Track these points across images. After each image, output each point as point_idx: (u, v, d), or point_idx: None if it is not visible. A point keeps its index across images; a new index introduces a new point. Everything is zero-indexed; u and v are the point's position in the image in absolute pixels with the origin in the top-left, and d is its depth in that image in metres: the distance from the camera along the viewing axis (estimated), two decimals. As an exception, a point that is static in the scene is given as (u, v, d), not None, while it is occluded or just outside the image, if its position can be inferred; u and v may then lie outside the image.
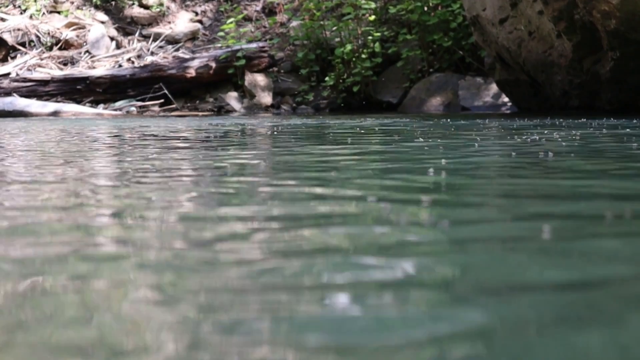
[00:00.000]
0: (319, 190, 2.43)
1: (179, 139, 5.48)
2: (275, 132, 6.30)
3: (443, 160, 3.26)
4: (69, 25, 16.12)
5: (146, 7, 16.81)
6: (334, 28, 13.95)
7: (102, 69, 14.66)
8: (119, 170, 3.21)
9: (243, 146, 4.88)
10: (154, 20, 16.67)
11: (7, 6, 16.60)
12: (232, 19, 15.42)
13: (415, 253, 1.45)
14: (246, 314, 1.07)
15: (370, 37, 13.62)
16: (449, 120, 8.06)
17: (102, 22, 16.40)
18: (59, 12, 16.58)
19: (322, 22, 14.23)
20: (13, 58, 15.43)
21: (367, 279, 1.24)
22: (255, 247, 1.52)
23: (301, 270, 1.30)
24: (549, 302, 1.12)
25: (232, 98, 13.98)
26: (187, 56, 14.85)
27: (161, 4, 16.83)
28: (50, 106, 13.33)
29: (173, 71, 14.05)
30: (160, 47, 16.01)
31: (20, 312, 1.11)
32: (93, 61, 15.40)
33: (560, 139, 4.53)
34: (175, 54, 15.61)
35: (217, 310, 1.10)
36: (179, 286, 1.23)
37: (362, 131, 6.24)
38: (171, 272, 1.33)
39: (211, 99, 14.23)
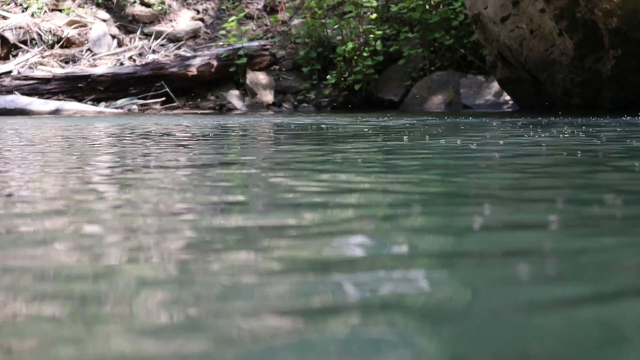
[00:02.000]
0: (321, 189, 2.42)
1: (179, 137, 5.48)
2: (276, 131, 6.29)
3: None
4: (70, 23, 16.12)
5: (148, 5, 16.81)
6: (336, 26, 13.95)
7: (103, 67, 14.66)
8: (119, 167, 3.21)
9: (243, 145, 4.88)
10: (155, 19, 16.66)
11: (8, 4, 16.60)
12: (233, 17, 15.41)
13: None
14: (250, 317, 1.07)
15: (371, 36, 13.61)
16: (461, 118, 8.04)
17: (104, 20, 16.40)
18: (60, 10, 16.58)
19: (323, 21, 14.22)
20: (15, 56, 15.43)
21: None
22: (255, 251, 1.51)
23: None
24: None
25: (233, 96, 13.98)
26: (188, 54, 14.85)
27: (163, 2, 16.82)
28: (51, 104, 13.34)
29: (174, 69, 14.05)
30: (162, 45, 16.01)
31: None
32: (94, 59, 15.40)
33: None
34: (176, 52, 15.61)
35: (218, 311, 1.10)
36: (180, 288, 1.23)
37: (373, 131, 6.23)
38: (170, 274, 1.33)
39: (212, 97, 14.23)
